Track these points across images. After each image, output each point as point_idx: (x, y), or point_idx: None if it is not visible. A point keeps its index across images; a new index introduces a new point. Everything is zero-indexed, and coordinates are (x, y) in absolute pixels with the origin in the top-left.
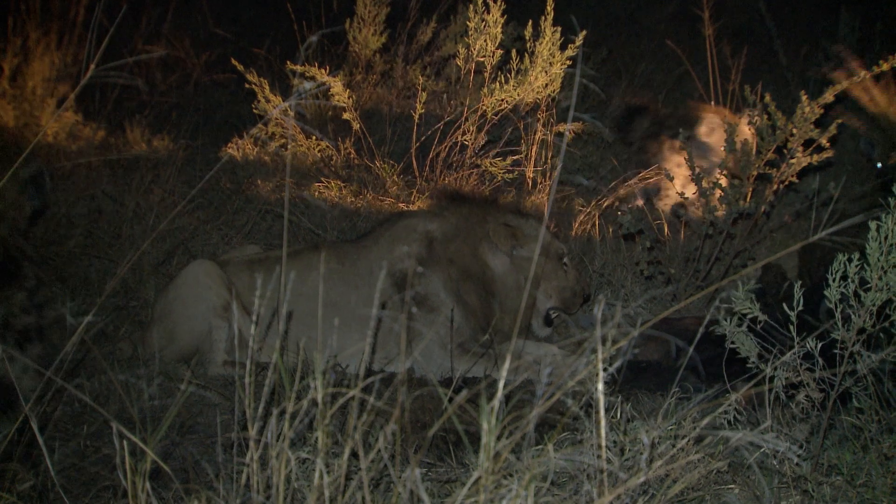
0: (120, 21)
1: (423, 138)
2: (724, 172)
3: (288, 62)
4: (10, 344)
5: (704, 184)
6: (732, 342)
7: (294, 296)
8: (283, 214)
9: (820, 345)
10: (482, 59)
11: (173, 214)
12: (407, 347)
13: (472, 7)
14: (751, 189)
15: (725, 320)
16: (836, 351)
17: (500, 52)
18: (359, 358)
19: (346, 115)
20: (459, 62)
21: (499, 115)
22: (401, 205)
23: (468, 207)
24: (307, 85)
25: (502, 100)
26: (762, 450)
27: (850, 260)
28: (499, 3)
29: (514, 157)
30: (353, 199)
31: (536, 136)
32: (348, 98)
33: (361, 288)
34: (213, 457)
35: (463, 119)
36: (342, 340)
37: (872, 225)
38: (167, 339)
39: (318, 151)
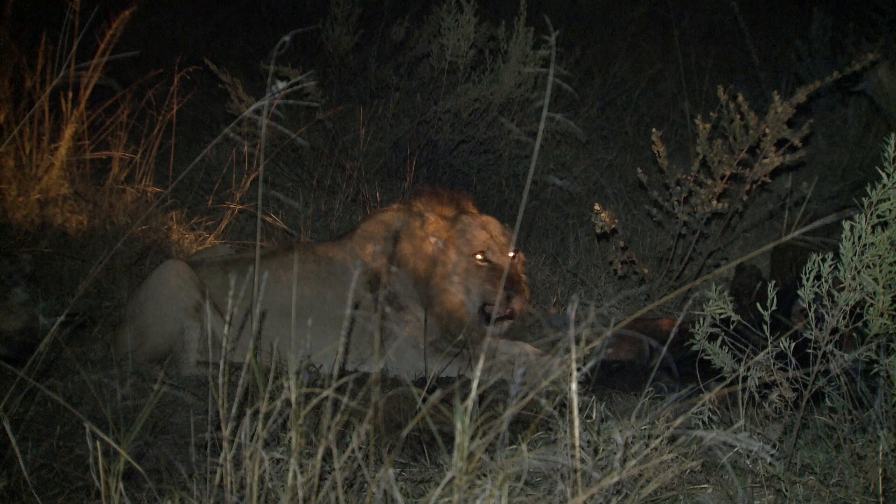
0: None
1: (396, 138)
2: (697, 172)
3: (261, 62)
4: None
5: (676, 184)
6: (706, 353)
7: (268, 296)
8: (256, 214)
9: (793, 344)
10: (455, 59)
11: (146, 214)
12: (380, 347)
13: (445, 7)
14: (723, 189)
15: (699, 323)
16: (809, 351)
17: (473, 51)
18: (332, 358)
19: (319, 115)
20: (433, 62)
21: (472, 115)
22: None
23: (425, 204)
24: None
25: (476, 99)
26: (735, 449)
27: (823, 260)
28: (472, 3)
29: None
30: (326, 199)
31: (510, 136)
32: (321, 98)
33: (335, 287)
34: (186, 457)
35: (436, 119)
36: (316, 340)
37: (846, 225)
38: (139, 339)
39: (292, 151)
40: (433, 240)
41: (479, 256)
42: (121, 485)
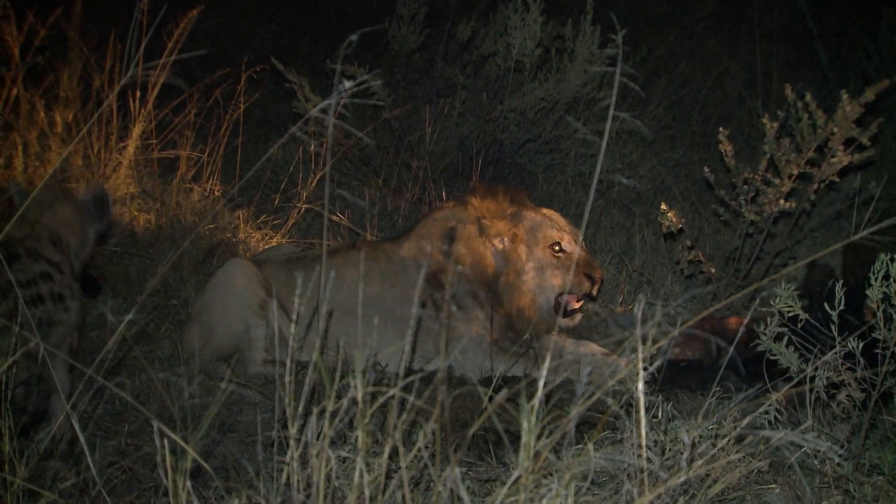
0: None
1: (462, 137)
2: (765, 171)
3: (328, 61)
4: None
5: (743, 183)
6: (772, 353)
7: (332, 294)
8: (322, 213)
9: (861, 344)
10: (521, 58)
11: (213, 213)
12: (445, 346)
13: (511, 6)
14: (791, 188)
15: (766, 322)
16: (877, 350)
17: (539, 50)
18: (397, 357)
19: (385, 114)
20: (499, 61)
21: (538, 114)
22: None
23: (481, 202)
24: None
25: (542, 98)
26: (803, 449)
27: (892, 259)
28: (538, 2)
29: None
30: (392, 198)
31: (576, 135)
32: (388, 97)
33: (397, 286)
34: (253, 455)
35: (502, 118)
36: (380, 339)
37: None
38: (205, 337)
39: (358, 150)
40: (497, 241)
41: (556, 248)
42: (188, 483)
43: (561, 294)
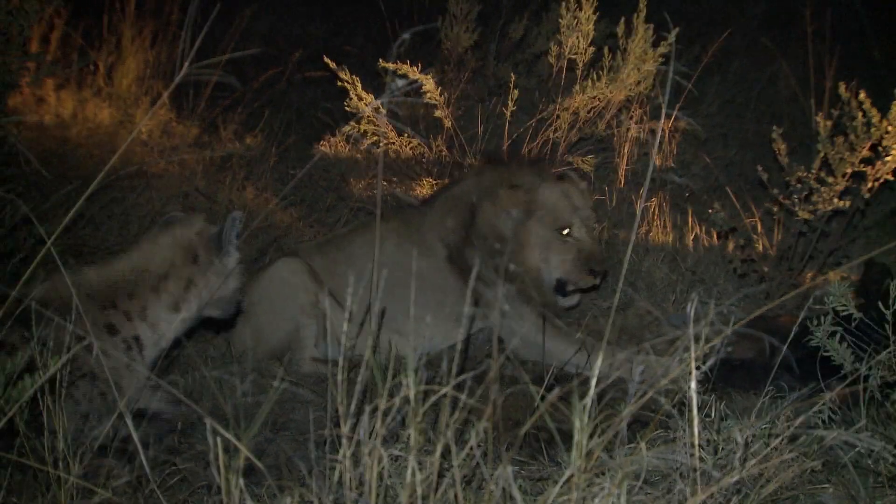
0: (213, 19)
1: (514, 136)
2: (819, 170)
3: (380, 60)
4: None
5: (797, 182)
6: (827, 351)
7: (362, 266)
8: (375, 212)
9: None
10: (574, 57)
11: (266, 212)
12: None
13: (564, 4)
14: (845, 186)
15: (820, 321)
16: None
17: (592, 49)
18: (420, 331)
19: (437, 113)
20: (551, 59)
21: (591, 113)
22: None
23: (498, 170)
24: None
25: (594, 97)
26: (857, 449)
27: None
28: (591, 1)
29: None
30: None
31: (629, 134)
32: (440, 95)
33: (420, 257)
34: (305, 453)
35: (555, 116)
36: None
37: None
38: (256, 336)
39: (410, 149)
40: (509, 212)
41: (565, 232)
42: (241, 481)
43: (561, 279)
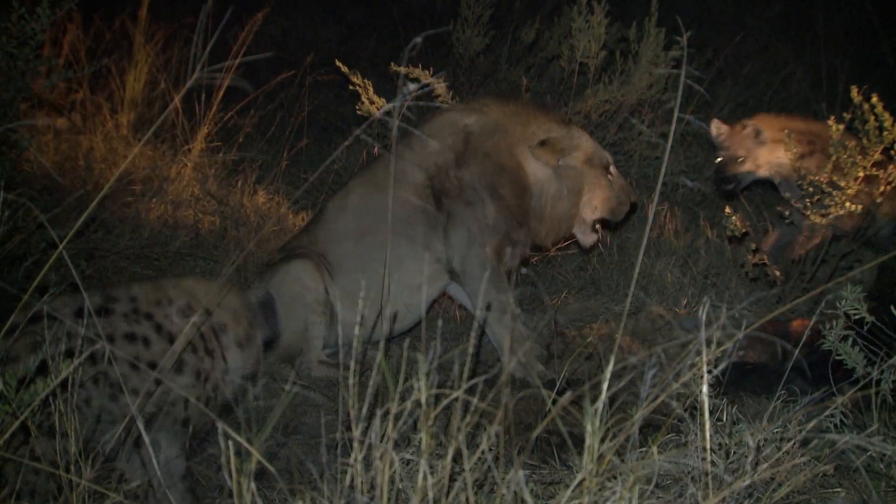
0: (225, 23)
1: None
2: (830, 173)
3: (392, 63)
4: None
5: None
6: (839, 355)
7: (339, 215)
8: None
9: None
10: (586, 61)
11: (278, 215)
12: (446, 241)
13: (575, 8)
14: (857, 190)
15: (832, 324)
16: None
17: (603, 52)
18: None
19: None
20: (563, 63)
21: (602, 116)
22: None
23: (512, 107)
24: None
25: (606, 100)
26: (869, 453)
27: None
28: (602, 5)
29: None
30: None
31: (640, 137)
32: (452, 99)
33: (399, 189)
34: (317, 457)
35: (567, 120)
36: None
37: None
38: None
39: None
40: (553, 156)
41: (610, 169)
42: (252, 484)
43: (598, 219)
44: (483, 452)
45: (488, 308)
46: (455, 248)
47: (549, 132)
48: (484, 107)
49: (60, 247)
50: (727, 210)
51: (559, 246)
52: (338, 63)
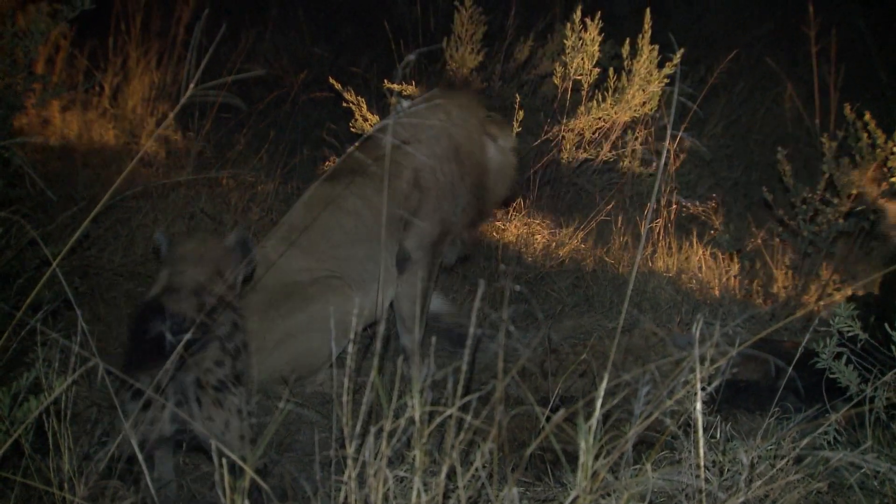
0: (219, 40)
1: (520, 156)
2: (824, 190)
3: (385, 80)
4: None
5: (802, 203)
6: (832, 372)
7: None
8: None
9: None
10: (579, 78)
11: (271, 233)
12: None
13: (569, 25)
14: (850, 208)
15: (825, 341)
16: None
17: (597, 70)
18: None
19: None
20: (556, 80)
21: (596, 134)
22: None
23: (465, 97)
24: (405, 103)
25: (599, 118)
26: (863, 470)
27: None
28: (596, 22)
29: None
30: None
31: (634, 155)
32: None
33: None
34: (311, 475)
35: (560, 137)
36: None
37: None
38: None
39: None
40: (499, 132)
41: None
42: (246, 502)
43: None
44: (477, 470)
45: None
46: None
47: (490, 113)
48: (448, 107)
49: (54, 264)
50: (720, 227)
51: (552, 263)
52: (331, 80)
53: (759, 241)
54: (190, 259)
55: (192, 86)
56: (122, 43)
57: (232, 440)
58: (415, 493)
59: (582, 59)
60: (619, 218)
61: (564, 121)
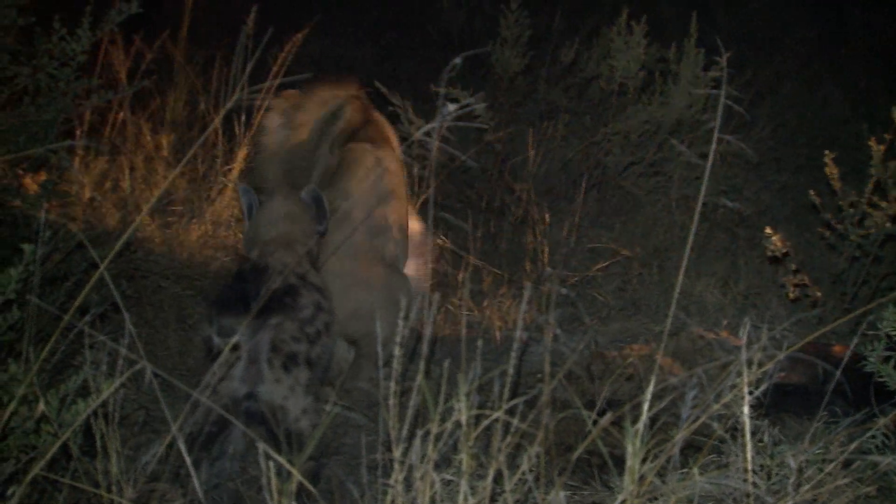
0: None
1: (566, 160)
2: (871, 194)
3: (431, 84)
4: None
5: (850, 206)
6: (880, 374)
7: None
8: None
9: None
10: (625, 80)
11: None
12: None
13: (615, 29)
14: None
15: (873, 345)
16: None
17: (643, 73)
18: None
19: (488, 137)
20: (602, 83)
21: (642, 136)
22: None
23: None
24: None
25: (645, 121)
26: None
27: None
28: (642, 25)
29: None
30: (495, 221)
31: (680, 158)
32: (491, 120)
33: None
34: (357, 478)
35: (605, 140)
36: None
37: None
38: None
39: (461, 173)
40: None
41: None
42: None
43: None
44: (524, 473)
45: None
46: None
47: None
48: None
49: (102, 267)
50: (767, 230)
51: (598, 266)
52: (376, 84)
53: (807, 244)
54: (279, 219)
55: (238, 89)
56: (168, 46)
57: (294, 409)
58: (462, 496)
59: (628, 62)
60: (666, 221)
61: (610, 124)
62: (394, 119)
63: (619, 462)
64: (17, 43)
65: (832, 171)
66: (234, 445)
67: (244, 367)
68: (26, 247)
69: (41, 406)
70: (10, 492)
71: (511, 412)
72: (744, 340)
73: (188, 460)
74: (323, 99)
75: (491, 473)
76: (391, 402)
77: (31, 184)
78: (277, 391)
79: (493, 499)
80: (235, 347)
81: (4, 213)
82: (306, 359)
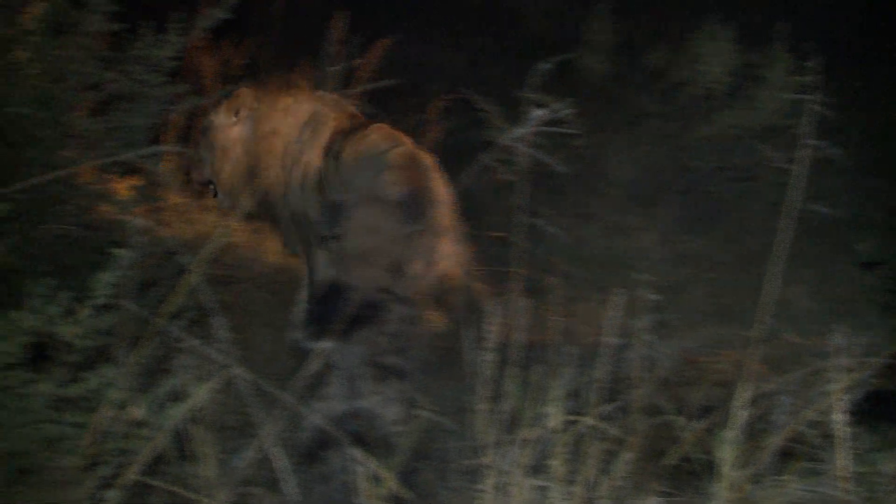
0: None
1: (653, 165)
2: None
3: (518, 89)
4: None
5: None
6: None
7: None
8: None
9: None
10: (713, 85)
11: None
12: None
13: (703, 33)
14: None
15: None
16: None
17: (731, 77)
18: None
19: (576, 142)
20: (690, 88)
21: (730, 141)
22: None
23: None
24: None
25: (733, 126)
26: None
27: None
28: (730, 30)
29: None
30: (584, 226)
31: (770, 163)
32: (579, 125)
33: None
34: (449, 483)
35: (694, 145)
36: None
37: None
38: None
39: (550, 178)
40: None
41: None
42: None
43: None
44: (616, 479)
45: None
46: None
47: None
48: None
49: (193, 273)
50: (860, 236)
51: (688, 271)
52: (463, 90)
53: None
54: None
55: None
56: (256, 51)
57: (390, 417)
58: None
59: (715, 66)
60: (755, 226)
61: (698, 129)
62: (481, 124)
63: (712, 468)
64: (108, 49)
65: None
66: (338, 464)
67: (339, 383)
68: (118, 251)
69: (135, 410)
70: (107, 496)
71: (603, 418)
72: (836, 347)
73: (284, 465)
74: (286, 106)
75: (583, 479)
76: (482, 407)
77: (121, 189)
78: (374, 403)
79: None
80: (327, 364)
81: (95, 218)
82: (397, 372)
